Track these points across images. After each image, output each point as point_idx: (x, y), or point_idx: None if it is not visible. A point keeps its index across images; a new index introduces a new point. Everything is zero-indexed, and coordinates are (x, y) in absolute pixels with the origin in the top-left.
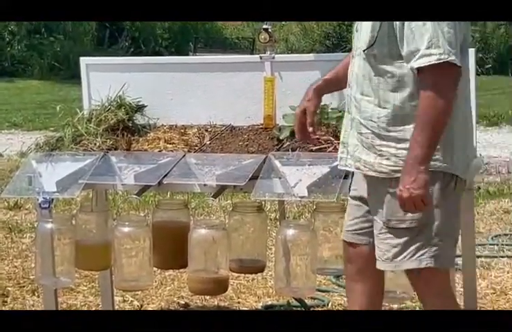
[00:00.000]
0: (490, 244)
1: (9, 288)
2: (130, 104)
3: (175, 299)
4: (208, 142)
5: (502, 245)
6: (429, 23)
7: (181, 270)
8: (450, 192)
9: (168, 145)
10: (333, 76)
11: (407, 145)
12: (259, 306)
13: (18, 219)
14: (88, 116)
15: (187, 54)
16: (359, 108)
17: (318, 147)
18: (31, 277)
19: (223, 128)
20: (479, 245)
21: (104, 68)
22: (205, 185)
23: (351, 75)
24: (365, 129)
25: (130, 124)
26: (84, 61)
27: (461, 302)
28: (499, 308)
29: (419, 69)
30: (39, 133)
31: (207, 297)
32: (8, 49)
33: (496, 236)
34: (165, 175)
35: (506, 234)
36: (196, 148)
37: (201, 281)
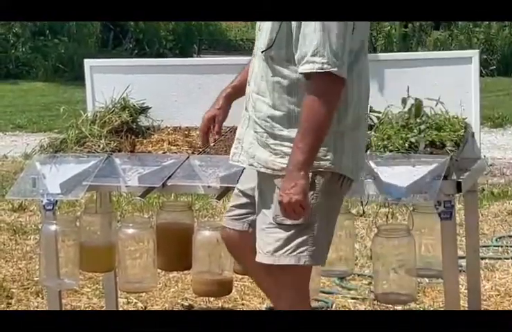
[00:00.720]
0: (495, 246)
1: (13, 290)
2: (134, 105)
3: (179, 300)
4: (212, 144)
5: (506, 246)
6: (318, 30)
7: (185, 272)
8: (335, 192)
9: (172, 147)
10: (239, 82)
11: None
12: (263, 307)
13: (22, 221)
14: (92, 118)
15: (191, 56)
16: (255, 107)
17: None
18: (35, 279)
19: (227, 130)
20: (483, 246)
21: (108, 69)
22: (209, 186)
23: (251, 74)
24: (260, 128)
25: (134, 126)
26: (88, 63)
27: (465, 304)
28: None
29: (305, 75)
30: (43, 134)
31: (212, 299)
32: (13, 51)
33: (500, 237)
34: (169, 177)
35: (510, 236)
36: (200, 150)
37: (205, 283)
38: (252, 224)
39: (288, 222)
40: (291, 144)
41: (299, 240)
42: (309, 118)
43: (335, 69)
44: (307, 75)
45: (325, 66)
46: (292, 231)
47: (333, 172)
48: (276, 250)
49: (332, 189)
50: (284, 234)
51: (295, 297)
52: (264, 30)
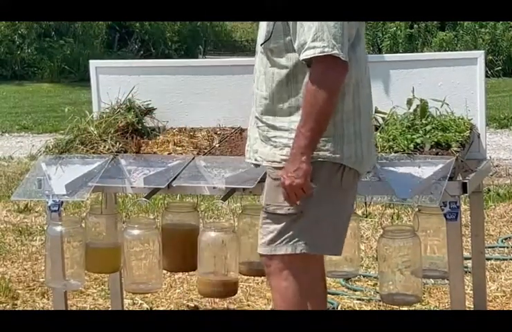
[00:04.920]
0: (500, 247)
1: (19, 291)
2: (139, 106)
3: (184, 301)
4: (217, 145)
5: None
6: None
7: (190, 273)
8: (336, 183)
9: (177, 148)
10: None
11: None
12: (269, 308)
13: (28, 222)
14: (97, 119)
15: (197, 57)
16: (256, 102)
17: None
18: (41, 280)
19: (232, 131)
20: (489, 247)
21: (114, 71)
22: (214, 187)
23: (254, 71)
24: (261, 123)
25: (139, 127)
26: (93, 64)
27: (470, 305)
28: None
29: (307, 61)
30: (48, 135)
31: (217, 300)
32: (18, 52)
33: (506, 238)
34: (175, 178)
35: None
36: (206, 151)
37: (211, 284)
38: None
39: (282, 211)
40: (291, 135)
41: (295, 229)
42: (312, 103)
43: (336, 52)
44: (309, 61)
45: (326, 49)
46: (284, 222)
47: (332, 162)
48: (272, 241)
49: (332, 179)
50: (276, 226)
51: (295, 289)
52: (261, 25)
